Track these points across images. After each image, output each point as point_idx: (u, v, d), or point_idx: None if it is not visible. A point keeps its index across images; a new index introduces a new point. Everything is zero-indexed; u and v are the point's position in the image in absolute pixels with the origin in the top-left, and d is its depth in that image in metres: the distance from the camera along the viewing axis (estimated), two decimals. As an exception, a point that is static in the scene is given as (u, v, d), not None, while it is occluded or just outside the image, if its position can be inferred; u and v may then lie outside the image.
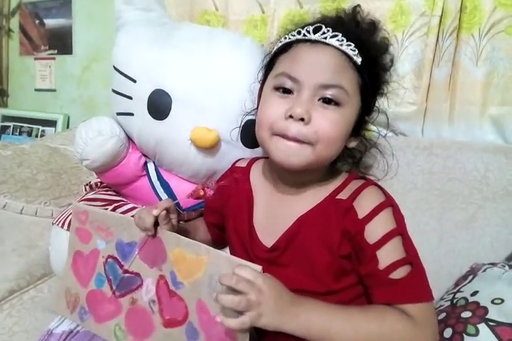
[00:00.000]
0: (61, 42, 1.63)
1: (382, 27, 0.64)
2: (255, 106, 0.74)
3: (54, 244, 0.84)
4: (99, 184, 0.98)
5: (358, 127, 0.64)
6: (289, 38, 0.60)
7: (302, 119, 0.55)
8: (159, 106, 0.78)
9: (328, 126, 0.56)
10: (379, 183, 0.63)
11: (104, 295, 0.68)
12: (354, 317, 0.52)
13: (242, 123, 0.78)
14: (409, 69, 0.99)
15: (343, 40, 0.56)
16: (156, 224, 0.62)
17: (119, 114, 0.84)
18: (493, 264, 0.70)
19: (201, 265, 0.55)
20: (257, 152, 0.82)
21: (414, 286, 0.54)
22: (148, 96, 0.79)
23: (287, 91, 0.58)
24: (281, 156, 0.58)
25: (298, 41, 0.59)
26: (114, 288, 0.67)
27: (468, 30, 0.94)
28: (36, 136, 1.71)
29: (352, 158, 0.74)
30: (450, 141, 0.92)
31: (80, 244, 0.71)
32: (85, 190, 0.99)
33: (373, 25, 0.64)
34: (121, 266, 0.66)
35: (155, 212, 0.60)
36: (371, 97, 0.63)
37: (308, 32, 0.58)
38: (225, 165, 0.80)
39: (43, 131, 1.70)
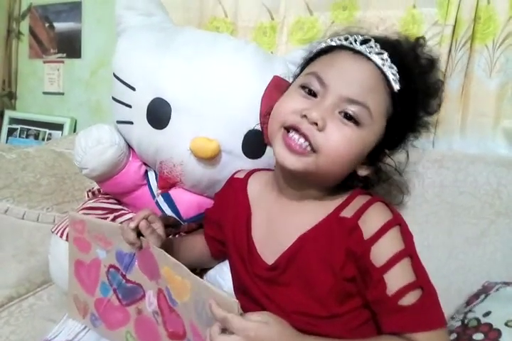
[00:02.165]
0: (70, 46, 1.63)
1: (439, 68, 0.62)
2: (258, 116, 0.72)
3: (53, 253, 0.83)
4: (101, 190, 0.97)
5: (375, 156, 0.61)
6: (335, 42, 0.58)
7: (316, 124, 0.53)
8: (158, 115, 0.77)
9: (341, 140, 0.53)
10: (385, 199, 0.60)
11: (112, 303, 0.67)
12: None
13: (244, 133, 0.76)
14: (420, 79, 0.98)
15: (386, 60, 0.54)
16: (141, 235, 0.60)
17: (119, 122, 0.83)
18: (507, 284, 0.68)
19: (186, 288, 0.54)
20: (259, 163, 0.79)
21: (426, 313, 0.51)
22: (147, 105, 0.77)
23: (312, 94, 0.56)
24: (282, 154, 0.56)
25: (342, 47, 0.57)
26: (120, 297, 0.66)
27: (482, 40, 0.92)
28: (43, 139, 1.71)
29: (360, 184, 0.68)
30: (462, 153, 0.90)
31: (80, 253, 0.70)
32: (87, 196, 0.98)
33: (431, 63, 0.60)
34: (124, 276, 0.65)
35: (132, 225, 0.59)
36: (398, 130, 0.59)
37: (355, 41, 0.56)
38: (226, 176, 0.78)
39: (50, 134, 1.70)
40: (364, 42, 0.55)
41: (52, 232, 0.85)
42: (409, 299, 0.51)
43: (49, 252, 0.85)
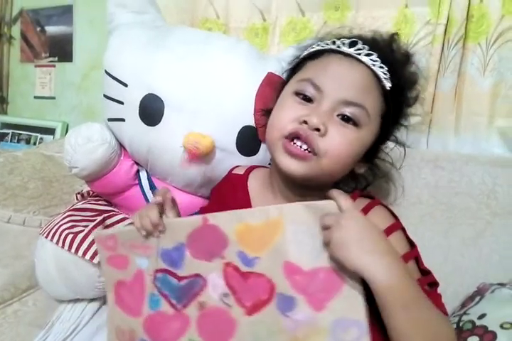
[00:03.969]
0: (61, 50, 1.62)
1: (414, 61, 0.63)
2: (252, 111, 0.71)
3: (39, 256, 0.81)
4: (91, 193, 0.95)
5: (371, 154, 0.62)
6: (322, 46, 0.59)
7: (317, 130, 0.53)
8: (151, 111, 0.76)
9: (343, 143, 0.54)
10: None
11: (165, 315, 0.61)
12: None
13: (238, 130, 0.75)
14: (413, 78, 0.97)
15: (376, 61, 0.55)
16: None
17: (110, 119, 0.82)
18: (502, 285, 0.66)
19: (276, 227, 0.51)
20: (254, 160, 0.78)
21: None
22: (139, 101, 0.76)
23: (308, 99, 0.57)
24: (284, 161, 0.56)
25: (331, 51, 0.58)
26: (174, 302, 0.60)
27: (475, 39, 0.92)
28: (34, 143, 1.69)
29: (356, 183, 0.69)
30: (456, 153, 0.89)
31: (119, 272, 0.64)
32: (76, 198, 0.96)
33: (407, 57, 0.62)
34: (175, 275, 0.60)
35: (158, 199, 0.58)
36: (390, 126, 0.61)
37: (344, 44, 0.57)
38: (220, 174, 0.77)
39: (42, 138, 1.69)
40: (352, 44, 0.57)
41: (40, 234, 0.83)
42: None
43: (35, 255, 0.82)
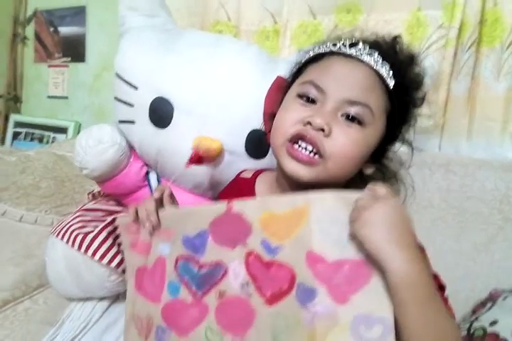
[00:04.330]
0: (74, 50, 1.64)
1: (420, 62, 0.63)
2: (261, 115, 0.72)
3: (50, 255, 0.81)
4: (101, 193, 0.96)
5: (378, 154, 0.61)
6: (324, 49, 0.59)
7: (322, 130, 0.53)
8: (161, 114, 0.76)
9: (348, 143, 0.54)
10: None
11: (184, 303, 0.61)
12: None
13: (247, 133, 0.75)
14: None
15: (378, 60, 0.55)
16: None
17: (120, 121, 0.82)
18: (515, 292, 0.65)
19: (301, 215, 0.50)
20: (262, 163, 0.78)
21: None
22: (149, 104, 0.76)
23: (311, 101, 0.56)
24: (290, 166, 0.56)
25: (332, 53, 0.58)
26: (193, 289, 0.60)
27: (489, 43, 0.91)
28: (47, 142, 1.71)
29: (365, 184, 0.70)
30: (468, 158, 0.88)
31: (141, 257, 0.65)
32: (88, 198, 0.97)
33: (411, 58, 0.62)
34: (196, 262, 0.59)
35: (156, 195, 0.60)
36: (396, 125, 0.61)
37: (345, 46, 0.57)
38: (229, 177, 0.77)
39: (54, 137, 1.70)
40: (352, 45, 0.57)
41: (51, 234, 0.84)
42: None
43: (46, 254, 0.83)
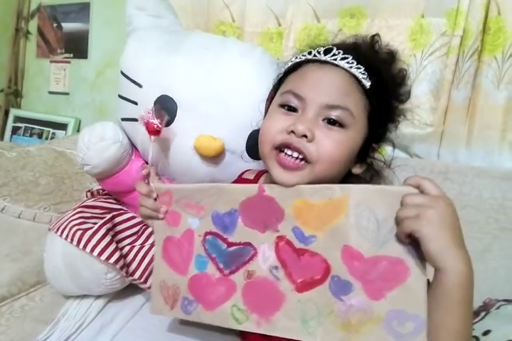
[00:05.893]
0: (77, 47, 1.63)
1: (399, 58, 0.64)
2: (262, 117, 0.72)
3: (48, 250, 0.82)
4: (100, 191, 0.96)
5: (365, 153, 0.62)
6: (300, 58, 0.61)
7: (305, 136, 0.54)
8: (164, 111, 0.76)
9: (332, 145, 0.55)
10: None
11: (211, 278, 0.61)
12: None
13: (249, 133, 0.76)
14: (427, 89, 0.97)
15: (352, 63, 0.57)
16: None
17: (124, 119, 0.83)
18: (508, 301, 0.66)
19: (339, 207, 0.50)
20: (262, 163, 0.78)
21: None
22: (153, 102, 0.77)
23: (292, 109, 0.58)
24: (276, 173, 0.56)
25: (308, 61, 0.60)
26: (221, 266, 0.60)
27: (491, 51, 0.91)
28: (47, 138, 1.71)
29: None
30: (467, 166, 0.89)
31: (169, 228, 0.65)
32: (86, 196, 0.97)
33: (391, 55, 0.64)
34: (225, 240, 0.60)
35: (144, 172, 0.67)
36: (379, 124, 0.61)
37: (319, 53, 0.59)
38: (229, 176, 0.78)
39: (54, 133, 1.70)
40: (327, 51, 0.58)
41: (50, 230, 0.84)
42: None
43: (44, 251, 0.83)
